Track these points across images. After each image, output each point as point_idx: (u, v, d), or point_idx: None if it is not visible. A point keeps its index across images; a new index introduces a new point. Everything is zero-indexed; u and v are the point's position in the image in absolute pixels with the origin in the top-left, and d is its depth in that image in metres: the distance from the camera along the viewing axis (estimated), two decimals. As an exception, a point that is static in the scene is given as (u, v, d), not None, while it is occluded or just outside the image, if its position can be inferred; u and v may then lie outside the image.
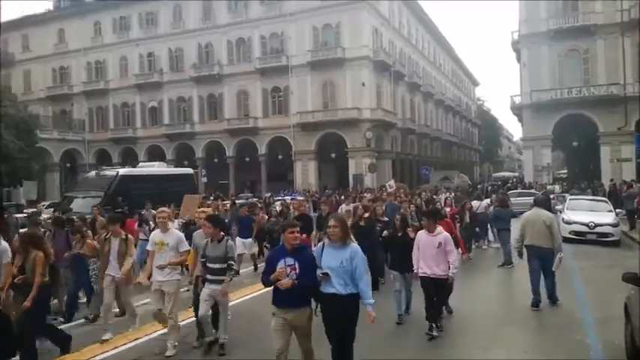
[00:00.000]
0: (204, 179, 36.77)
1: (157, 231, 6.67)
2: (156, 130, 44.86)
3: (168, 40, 44.42)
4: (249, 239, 12.12)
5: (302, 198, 22.13)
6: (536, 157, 36.24)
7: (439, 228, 6.72)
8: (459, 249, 7.93)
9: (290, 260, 4.61)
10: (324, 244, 4.78)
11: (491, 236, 15.05)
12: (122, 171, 19.58)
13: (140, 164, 26.30)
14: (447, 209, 13.23)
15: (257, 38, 41.51)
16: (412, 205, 12.98)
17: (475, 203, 14.85)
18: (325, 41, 39.65)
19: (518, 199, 22.54)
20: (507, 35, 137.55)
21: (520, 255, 8.43)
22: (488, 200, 15.76)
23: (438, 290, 6.63)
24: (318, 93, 39.56)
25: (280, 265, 4.58)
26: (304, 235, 11.00)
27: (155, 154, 42.77)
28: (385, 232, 8.51)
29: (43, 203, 26.07)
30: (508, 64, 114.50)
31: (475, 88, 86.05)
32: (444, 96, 59.38)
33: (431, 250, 6.57)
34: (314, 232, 10.88)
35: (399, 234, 7.51)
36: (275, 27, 40.89)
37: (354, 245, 4.67)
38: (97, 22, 47.48)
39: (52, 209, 18.12)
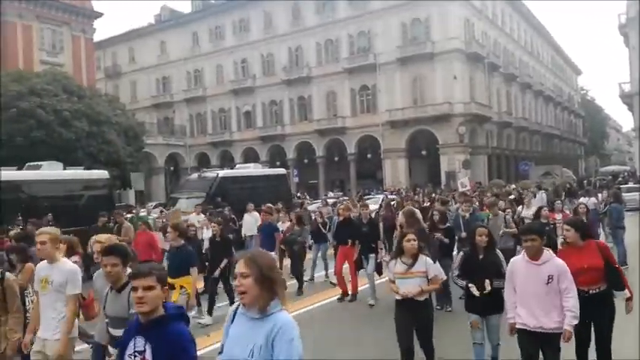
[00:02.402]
0: (296, 179, 37.68)
1: (44, 261, 4.44)
2: (250, 133, 46.57)
3: (259, 45, 45.96)
4: (272, 254, 9.41)
5: (393, 196, 21.87)
6: (651, 148, 33.15)
7: (547, 253, 4.24)
8: (625, 291, 4.64)
9: (140, 342, 2.55)
10: (237, 307, 2.49)
11: (602, 235, 13.89)
12: (221, 173, 20.57)
13: (237, 166, 27.44)
14: (559, 217, 9.79)
15: (345, 38, 41.73)
16: (507, 210, 10.06)
17: (584, 200, 13.78)
18: (414, 36, 38.96)
19: (627, 194, 20.67)
20: (614, 18, 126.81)
21: None
22: (598, 197, 14.60)
23: (546, 351, 4.22)
24: (408, 89, 38.94)
25: (129, 350, 2.58)
26: (348, 246, 9.12)
27: (250, 156, 44.40)
28: (457, 252, 5.94)
29: (150, 203, 28.00)
30: (615, 50, 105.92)
31: (578, 77, 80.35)
32: (543, 86, 56.05)
33: (536, 288, 4.17)
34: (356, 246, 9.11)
35: (481, 256, 5.06)
36: (362, 25, 40.86)
37: (282, 317, 2.33)
38: (195, 33, 50.18)
39: (160, 210, 19.40)
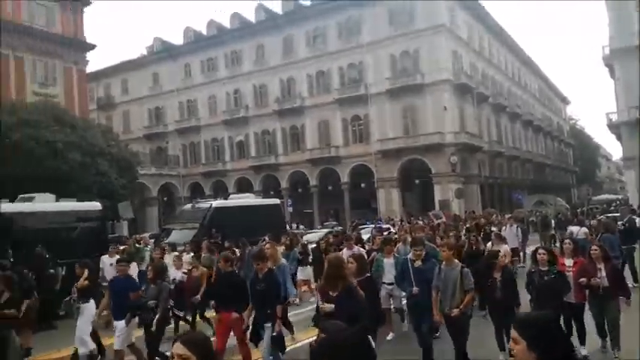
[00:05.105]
0: (290, 209, 37.63)
1: None
2: (243, 163, 46.64)
3: (252, 77, 46.50)
4: (121, 323, 6.90)
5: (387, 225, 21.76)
6: (640, 177, 33.45)
7: None
8: None
9: None
10: None
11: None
12: (215, 203, 20.47)
13: (231, 196, 27.33)
14: (569, 262, 7.01)
15: (335, 69, 42.35)
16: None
17: (574, 229, 13.75)
18: (403, 68, 39.59)
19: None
20: (598, 50, 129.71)
21: None
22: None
23: None
24: (399, 119, 39.37)
25: None
26: (234, 315, 6.53)
27: (243, 186, 44.34)
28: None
29: (145, 234, 27.71)
30: (601, 80, 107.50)
31: (566, 107, 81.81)
32: (532, 116, 56.91)
33: None
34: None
35: None
36: (353, 58, 41.54)
37: None
38: (187, 65, 50.71)
39: (153, 240, 19.23)
